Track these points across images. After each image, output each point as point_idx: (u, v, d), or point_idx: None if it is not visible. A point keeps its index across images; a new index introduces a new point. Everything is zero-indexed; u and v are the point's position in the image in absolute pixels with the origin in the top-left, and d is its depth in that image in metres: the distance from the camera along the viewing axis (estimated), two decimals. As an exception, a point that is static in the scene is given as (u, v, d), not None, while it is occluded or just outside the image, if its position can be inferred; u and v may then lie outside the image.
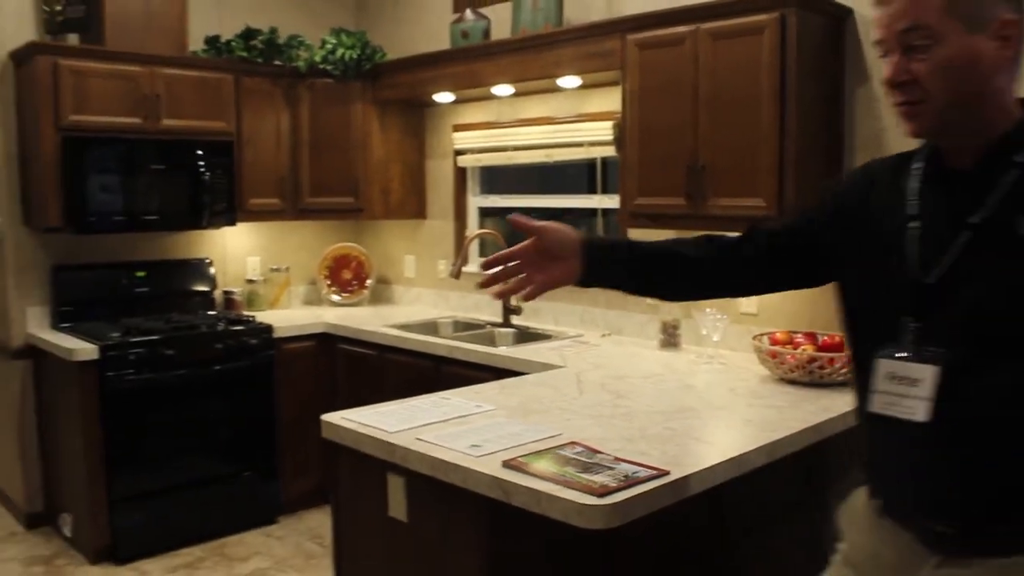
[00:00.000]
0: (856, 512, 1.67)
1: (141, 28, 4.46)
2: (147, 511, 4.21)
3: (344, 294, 5.36)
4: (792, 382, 3.07)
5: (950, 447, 1.45)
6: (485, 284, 1.84)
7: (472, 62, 4.32)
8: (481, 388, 3.04)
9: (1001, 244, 1.42)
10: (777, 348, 3.13)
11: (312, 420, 4.79)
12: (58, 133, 4.19)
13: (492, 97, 4.63)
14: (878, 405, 1.53)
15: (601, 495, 1.91)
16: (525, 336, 4.27)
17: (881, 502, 1.59)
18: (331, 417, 2.58)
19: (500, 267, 1.81)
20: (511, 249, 1.82)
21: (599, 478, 2.00)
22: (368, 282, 5.38)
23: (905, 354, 1.49)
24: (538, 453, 2.19)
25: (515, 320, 4.43)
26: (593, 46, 3.77)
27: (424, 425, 2.47)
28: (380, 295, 5.50)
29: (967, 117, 1.45)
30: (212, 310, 4.94)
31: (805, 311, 3.47)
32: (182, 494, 4.32)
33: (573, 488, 1.95)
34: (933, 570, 1.50)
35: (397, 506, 2.39)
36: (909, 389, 1.48)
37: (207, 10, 4.98)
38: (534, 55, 4.02)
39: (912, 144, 1.60)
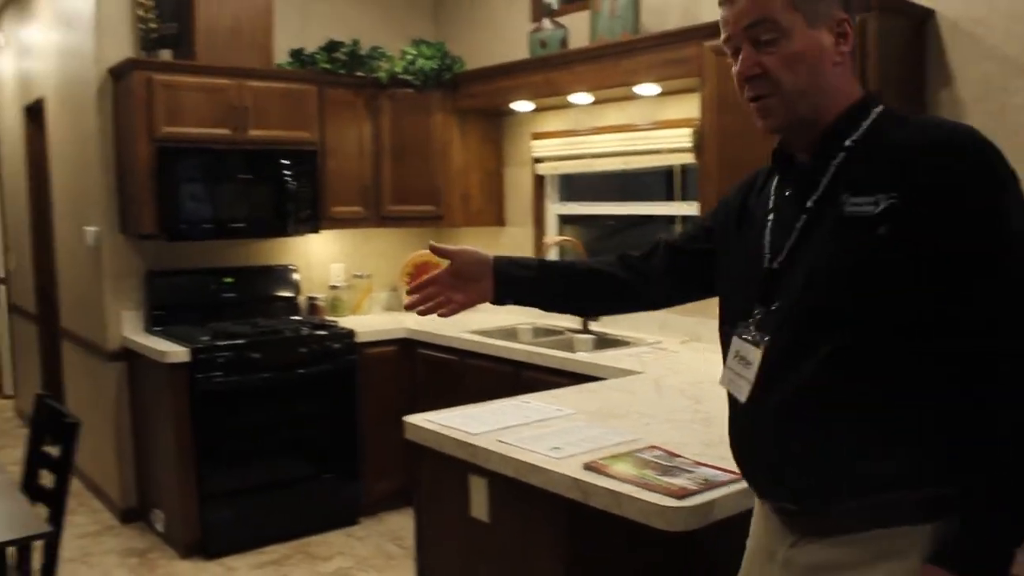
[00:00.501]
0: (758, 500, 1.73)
1: (230, 43, 4.62)
2: (235, 509, 4.35)
3: (424, 300, 5.44)
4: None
5: (771, 427, 1.52)
6: (409, 307, 1.95)
7: (550, 71, 4.37)
8: (561, 392, 3.08)
9: (828, 224, 1.47)
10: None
11: (393, 424, 4.85)
12: (152, 144, 4.36)
13: (570, 105, 4.67)
14: (724, 380, 1.64)
15: (681, 497, 1.93)
16: (604, 342, 4.30)
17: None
18: (414, 419, 2.65)
19: (422, 292, 1.93)
20: (431, 274, 1.93)
21: (679, 481, 2.02)
22: (447, 288, 5.44)
23: (748, 335, 1.58)
24: (617, 456, 2.22)
25: (594, 326, 4.46)
26: (671, 53, 3.79)
27: (505, 427, 2.51)
28: (459, 301, 5.55)
29: (811, 109, 1.52)
30: (296, 315, 5.07)
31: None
32: (268, 493, 4.45)
33: (652, 490, 1.97)
34: (788, 550, 1.55)
35: (479, 507, 2.44)
36: (743, 370, 1.57)
37: (292, 24, 5.13)
38: (612, 63, 4.05)
39: None
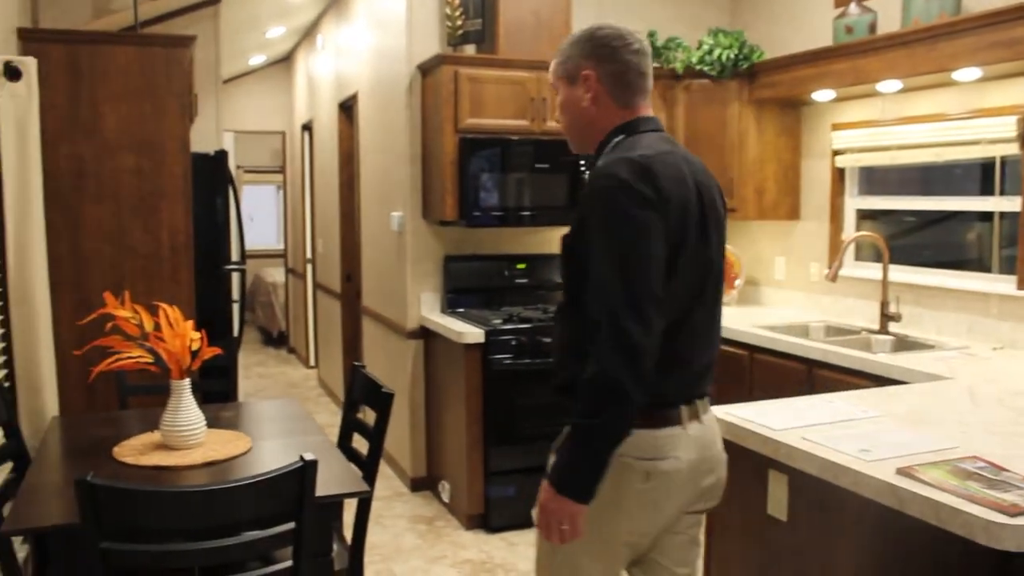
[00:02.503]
0: None
1: (530, 36, 4.77)
2: (516, 486, 4.49)
3: (710, 293, 5.36)
4: None
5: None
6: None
7: (856, 58, 4.15)
8: (864, 393, 2.93)
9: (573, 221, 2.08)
10: None
11: (677, 415, 4.74)
12: (456, 135, 4.59)
13: (875, 94, 4.42)
14: None
15: (1013, 515, 1.77)
16: (904, 344, 4.04)
17: None
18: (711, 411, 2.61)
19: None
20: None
21: (1009, 496, 1.86)
22: (737, 282, 5.34)
23: None
24: (934, 464, 2.08)
25: (893, 327, 4.21)
26: (998, 34, 3.48)
27: (809, 425, 2.42)
28: (748, 296, 5.45)
29: (582, 141, 2.15)
30: (582, 303, 5.15)
31: None
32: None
33: (978, 503, 1.83)
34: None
35: (777, 504, 2.37)
36: None
37: (589, 16, 5.20)
38: (927, 48, 3.78)
39: None
